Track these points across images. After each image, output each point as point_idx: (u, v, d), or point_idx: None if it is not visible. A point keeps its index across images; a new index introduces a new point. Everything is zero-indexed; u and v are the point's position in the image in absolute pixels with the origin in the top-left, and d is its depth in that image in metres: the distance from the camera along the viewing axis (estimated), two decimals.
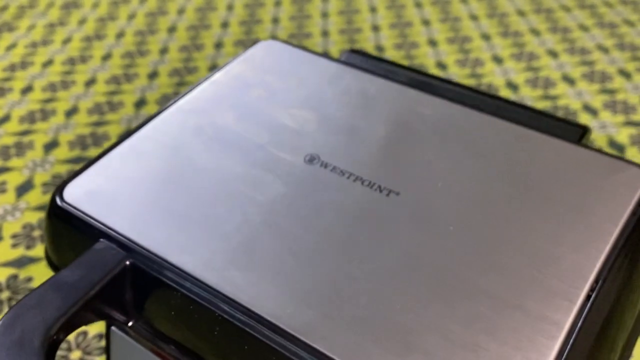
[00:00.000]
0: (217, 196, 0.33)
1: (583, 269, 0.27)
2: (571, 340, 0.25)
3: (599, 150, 0.33)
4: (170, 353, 0.31)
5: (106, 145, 0.72)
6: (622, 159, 0.32)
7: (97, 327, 0.49)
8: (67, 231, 0.33)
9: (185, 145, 0.36)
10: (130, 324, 0.31)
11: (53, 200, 0.34)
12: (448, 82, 0.42)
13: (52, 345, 0.27)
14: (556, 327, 0.25)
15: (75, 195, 0.33)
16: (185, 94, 0.40)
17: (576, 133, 0.37)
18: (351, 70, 0.40)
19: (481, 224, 0.30)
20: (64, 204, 0.33)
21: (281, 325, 0.27)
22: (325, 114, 0.37)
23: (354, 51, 0.46)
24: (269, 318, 0.27)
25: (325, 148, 0.35)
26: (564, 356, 0.25)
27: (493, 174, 0.32)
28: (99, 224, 0.32)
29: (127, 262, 0.30)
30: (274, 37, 0.97)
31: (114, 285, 0.30)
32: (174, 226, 0.31)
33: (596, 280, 0.27)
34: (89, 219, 0.32)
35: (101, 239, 0.31)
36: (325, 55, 0.43)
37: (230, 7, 1.06)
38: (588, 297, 0.26)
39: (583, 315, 0.26)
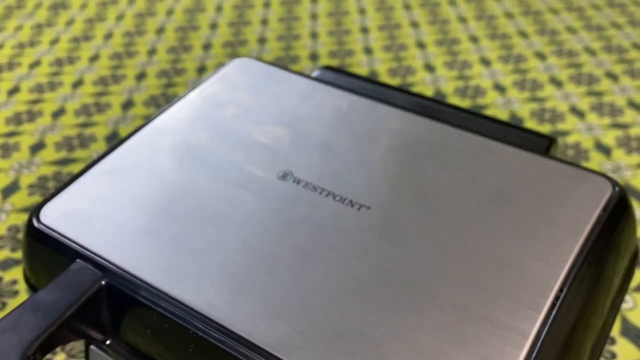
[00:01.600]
0: (192, 215, 0.33)
1: (548, 278, 0.28)
2: (537, 349, 0.26)
3: (565, 161, 0.34)
4: None
5: (93, 146, 0.72)
6: (587, 169, 0.33)
7: None
8: (44, 252, 0.34)
9: (159, 165, 0.36)
10: (108, 342, 0.32)
11: (30, 221, 0.34)
12: (417, 95, 0.43)
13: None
14: (522, 336, 0.26)
15: (52, 216, 0.34)
16: (160, 113, 0.40)
17: (543, 144, 0.38)
18: (324, 87, 0.41)
19: (449, 236, 0.30)
20: (41, 225, 0.33)
21: (254, 341, 0.27)
22: (298, 131, 0.38)
23: (328, 68, 0.46)
24: (242, 334, 0.27)
25: (298, 164, 0.35)
26: (538, 353, 0.26)
27: (461, 186, 0.33)
28: (75, 245, 0.32)
29: (103, 282, 0.31)
30: (261, 39, 0.97)
31: (90, 305, 0.30)
32: (149, 245, 0.32)
33: (561, 289, 0.28)
34: (65, 239, 0.33)
35: (77, 260, 0.31)
36: (299, 72, 0.43)
37: (219, 9, 1.06)
38: (553, 305, 0.27)
39: (548, 324, 0.26)
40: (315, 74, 0.46)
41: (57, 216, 0.34)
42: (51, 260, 0.33)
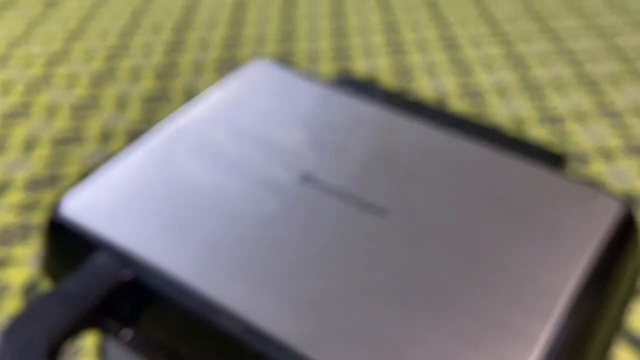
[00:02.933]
0: (214, 212, 0.34)
1: (559, 287, 0.29)
2: (547, 352, 0.27)
3: (576, 179, 0.36)
4: None
5: (87, 145, 0.71)
6: (597, 187, 0.35)
7: None
8: (66, 244, 0.34)
9: (181, 163, 0.37)
10: (127, 333, 0.32)
11: (52, 213, 0.34)
12: (432, 108, 0.45)
13: (54, 353, 0.28)
14: (533, 339, 0.28)
15: (73, 208, 0.34)
16: (180, 112, 0.41)
17: (554, 161, 0.40)
18: (344, 93, 0.42)
19: (465, 244, 0.32)
20: (62, 217, 0.34)
21: (277, 336, 0.28)
22: (318, 134, 0.39)
23: (344, 75, 0.48)
24: (265, 329, 0.28)
25: (318, 167, 0.36)
26: None
27: (476, 198, 0.35)
28: (98, 236, 0.32)
29: (126, 274, 0.31)
30: (260, 39, 0.96)
31: (113, 297, 0.31)
32: (172, 240, 0.32)
33: (570, 298, 0.29)
34: (87, 231, 0.33)
35: (100, 251, 0.32)
36: (316, 77, 0.45)
37: (218, 6, 1.06)
38: (563, 312, 0.29)
39: (559, 329, 0.28)
40: (332, 80, 0.47)
41: (79, 208, 0.34)
42: (73, 252, 0.33)
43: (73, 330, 0.29)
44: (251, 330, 0.28)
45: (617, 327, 0.33)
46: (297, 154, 0.37)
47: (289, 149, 0.38)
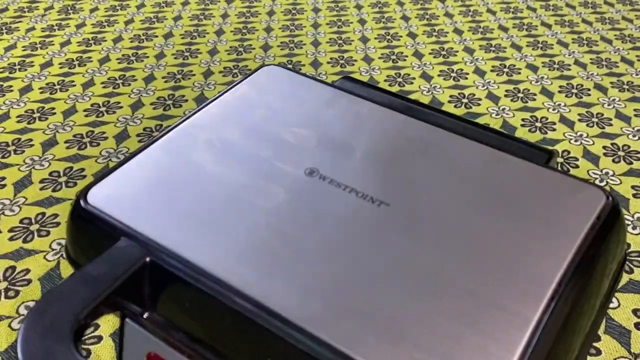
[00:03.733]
0: (227, 203, 0.36)
1: (549, 273, 0.31)
2: (539, 332, 0.29)
3: (564, 172, 0.38)
4: (181, 343, 0.34)
5: (103, 143, 0.75)
6: (584, 180, 0.37)
7: None
8: (90, 230, 0.36)
9: (196, 157, 0.40)
10: (145, 315, 0.34)
11: (77, 202, 0.37)
12: (428, 107, 0.46)
13: (79, 331, 0.29)
14: (526, 320, 0.29)
15: (98, 198, 0.37)
16: (195, 111, 0.44)
17: (543, 157, 0.42)
18: (346, 95, 0.44)
19: (460, 233, 0.34)
20: (88, 205, 0.36)
21: (287, 316, 0.30)
22: (323, 133, 0.41)
23: (348, 78, 0.50)
24: (276, 309, 0.30)
25: (323, 163, 0.39)
26: (532, 344, 0.29)
27: (471, 191, 0.36)
28: (121, 224, 0.35)
29: (147, 259, 0.33)
30: (265, 46, 0.99)
31: (134, 280, 0.33)
32: (189, 228, 0.35)
33: (559, 283, 0.31)
34: (111, 219, 0.35)
35: (122, 238, 0.34)
36: (323, 80, 0.47)
37: (225, 16, 1.09)
38: (552, 297, 0.30)
39: (549, 312, 0.30)
40: (336, 82, 0.50)
41: (103, 198, 0.37)
42: (96, 239, 0.35)
43: (96, 310, 0.31)
44: (262, 311, 0.30)
45: (604, 309, 0.36)
46: (305, 151, 0.40)
47: (298, 145, 0.40)
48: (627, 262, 0.57)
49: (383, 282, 0.31)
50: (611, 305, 0.53)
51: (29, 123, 0.79)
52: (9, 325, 0.51)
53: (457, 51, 0.98)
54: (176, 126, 0.43)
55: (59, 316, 0.29)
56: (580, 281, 0.32)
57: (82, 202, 0.37)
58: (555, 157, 0.42)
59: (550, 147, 0.42)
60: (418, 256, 0.33)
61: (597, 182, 0.68)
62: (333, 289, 0.31)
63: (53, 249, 0.59)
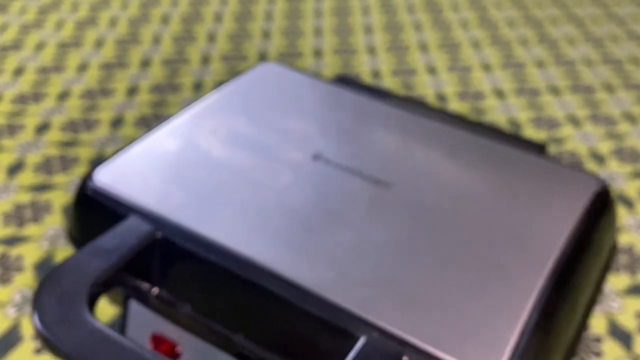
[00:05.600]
0: (235, 183, 0.37)
1: (549, 247, 0.34)
2: (542, 301, 0.31)
3: (558, 161, 0.41)
4: (186, 320, 0.34)
5: (97, 130, 0.73)
6: (578, 168, 0.40)
7: None
8: (98, 210, 0.36)
9: (203, 142, 0.40)
10: (153, 291, 0.35)
11: (84, 182, 0.37)
12: (419, 102, 0.48)
13: (93, 298, 0.30)
14: (529, 289, 0.31)
15: (104, 178, 0.37)
16: (197, 102, 0.44)
17: (535, 150, 0.44)
18: (342, 89, 0.47)
19: (462, 213, 0.36)
20: (95, 185, 0.37)
21: (303, 284, 0.31)
22: (324, 123, 0.43)
23: (342, 76, 0.53)
24: (289, 277, 0.31)
25: (327, 148, 0.40)
26: (535, 314, 0.30)
27: (471, 176, 0.39)
28: (129, 202, 0.35)
29: (157, 234, 0.34)
30: (265, 34, 0.98)
31: (144, 255, 0.34)
32: (198, 205, 0.35)
33: (560, 256, 0.33)
34: (119, 197, 0.36)
35: (132, 215, 0.35)
36: (319, 77, 0.49)
37: (224, 2, 1.08)
38: (554, 268, 0.33)
39: (550, 282, 0.32)
40: (332, 79, 0.52)
41: (109, 178, 0.37)
42: (104, 217, 0.36)
43: (108, 280, 0.31)
44: (273, 277, 0.31)
45: (602, 280, 0.38)
46: (307, 138, 0.41)
47: (299, 133, 0.41)
48: (630, 265, 0.57)
49: (391, 254, 0.33)
50: (614, 307, 0.53)
51: (22, 104, 0.78)
52: (3, 312, 0.50)
53: (464, 45, 0.97)
54: (177, 116, 0.43)
55: (73, 284, 0.30)
56: (578, 254, 0.34)
57: (89, 182, 0.37)
58: (546, 148, 0.44)
59: (540, 141, 0.46)
60: (423, 231, 0.34)
61: None
62: (343, 259, 0.32)
63: (47, 236, 0.57)
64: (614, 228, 0.39)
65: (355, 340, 0.29)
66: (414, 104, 0.47)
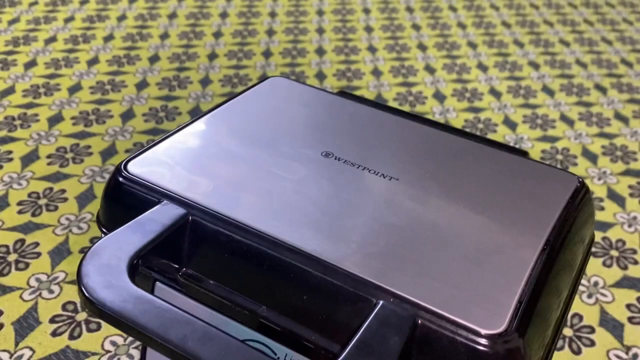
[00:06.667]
0: (255, 175, 0.41)
1: (540, 229, 0.38)
2: (536, 272, 0.35)
3: (541, 162, 0.46)
4: (212, 299, 0.37)
5: (109, 121, 0.75)
6: (557, 168, 0.45)
7: None
8: (130, 197, 0.39)
9: (223, 141, 0.44)
10: (184, 271, 0.38)
11: (117, 170, 0.40)
12: (410, 115, 0.53)
13: (133, 269, 0.33)
14: (526, 263, 0.35)
15: (136, 168, 0.41)
16: (210, 110, 0.48)
17: (520, 154, 0.48)
18: (343, 99, 0.51)
19: (461, 203, 0.40)
20: (129, 174, 0.40)
21: (323, 258, 0.34)
22: (331, 127, 0.47)
23: (343, 90, 0.57)
24: (312, 252, 0.34)
25: (337, 147, 0.44)
26: (531, 283, 0.34)
27: (469, 174, 0.43)
28: (161, 189, 0.39)
29: (190, 217, 0.37)
30: (269, 31, 1.00)
31: (176, 236, 0.36)
32: (225, 192, 0.39)
33: (548, 235, 0.38)
34: (152, 184, 0.39)
35: (164, 200, 0.38)
36: (323, 89, 0.54)
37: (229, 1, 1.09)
38: (544, 248, 0.37)
39: (542, 257, 0.36)
40: (334, 92, 0.56)
41: (141, 168, 0.41)
42: (137, 204, 0.38)
43: (145, 256, 0.34)
44: (299, 254, 0.34)
45: (584, 263, 0.44)
46: (316, 139, 0.45)
47: (309, 135, 0.46)
48: (621, 259, 0.59)
49: (400, 233, 0.37)
50: (605, 300, 0.55)
51: (34, 98, 0.79)
52: (20, 297, 0.52)
53: (461, 44, 0.99)
54: (196, 120, 0.47)
55: (113, 256, 0.33)
56: (561, 239, 0.38)
57: (122, 171, 0.40)
58: (528, 154, 0.48)
59: (523, 149, 0.54)
60: (429, 217, 0.38)
61: (594, 180, 0.70)
62: (359, 237, 0.36)
63: (61, 224, 0.59)
64: (592, 219, 0.44)
65: (374, 306, 0.32)
66: (411, 116, 0.52)
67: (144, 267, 0.34)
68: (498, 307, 0.32)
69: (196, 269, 0.37)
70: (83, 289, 0.30)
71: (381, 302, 0.32)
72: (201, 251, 0.37)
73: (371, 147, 0.45)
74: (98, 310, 0.30)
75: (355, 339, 0.30)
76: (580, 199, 0.41)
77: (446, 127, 0.50)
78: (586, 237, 0.43)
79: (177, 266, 0.37)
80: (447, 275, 0.34)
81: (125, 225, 0.35)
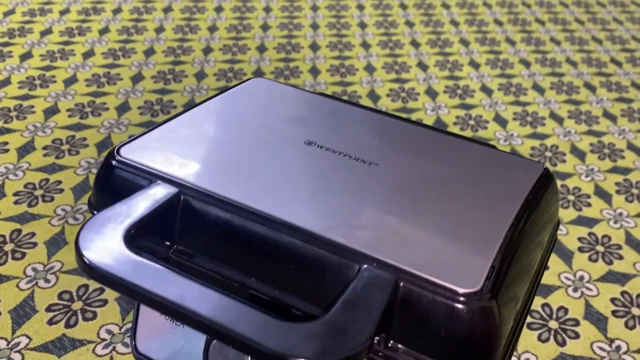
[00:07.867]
0: (242, 158, 0.43)
1: (510, 206, 0.42)
2: (506, 243, 0.38)
3: (507, 152, 0.49)
4: (201, 270, 0.39)
5: (104, 114, 0.76)
6: (523, 157, 0.49)
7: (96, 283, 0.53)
8: (123, 180, 0.41)
9: (213, 129, 0.47)
10: (175, 248, 0.40)
11: (110, 155, 0.42)
12: (389, 114, 0.55)
13: (129, 238, 0.35)
14: (498, 234, 0.39)
15: (129, 153, 0.43)
16: (196, 105, 0.51)
17: (488, 147, 0.53)
18: (323, 97, 0.55)
19: (435, 186, 0.43)
20: (121, 158, 0.42)
21: (311, 229, 0.37)
22: (312, 120, 0.50)
23: (321, 92, 0.60)
24: (300, 225, 0.37)
25: (318, 137, 0.47)
26: (503, 251, 0.37)
27: (444, 161, 0.47)
28: (153, 171, 0.41)
29: (182, 197, 0.39)
30: (264, 26, 1.00)
31: (169, 213, 0.39)
32: (213, 173, 0.41)
33: (517, 211, 0.41)
34: (144, 166, 0.41)
35: (157, 181, 0.40)
36: (301, 88, 0.57)
37: None
38: (513, 223, 0.40)
39: (512, 230, 0.39)
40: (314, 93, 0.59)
41: (133, 153, 0.43)
42: (129, 186, 0.41)
43: (139, 227, 0.36)
44: (287, 227, 0.37)
45: (551, 244, 0.48)
46: (299, 129, 0.48)
47: (292, 126, 0.48)
48: (606, 254, 0.61)
49: (382, 209, 0.40)
50: (590, 294, 0.56)
51: (30, 90, 0.80)
52: (17, 286, 0.52)
53: (453, 42, 1.00)
54: (186, 112, 0.49)
55: (110, 225, 0.35)
56: (527, 220, 0.41)
57: (115, 155, 0.42)
58: (496, 148, 0.52)
59: (490, 142, 0.57)
60: (408, 195, 0.42)
61: (582, 177, 0.71)
62: (343, 211, 0.39)
63: (57, 214, 0.60)
64: (557, 204, 0.48)
65: (359, 271, 0.35)
66: (388, 114, 0.55)
67: (138, 240, 0.36)
68: (473, 270, 0.35)
69: (188, 245, 0.39)
70: (83, 254, 0.32)
71: (365, 265, 0.35)
72: (193, 228, 0.39)
73: (351, 138, 0.48)
74: (98, 274, 0.32)
75: (342, 297, 0.33)
76: (545, 184, 0.45)
77: (420, 124, 0.53)
78: (552, 219, 0.47)
79: (168, 243, 0.39)
80: (425, 244, 0.37)
81: (121, 201, 0.38)
